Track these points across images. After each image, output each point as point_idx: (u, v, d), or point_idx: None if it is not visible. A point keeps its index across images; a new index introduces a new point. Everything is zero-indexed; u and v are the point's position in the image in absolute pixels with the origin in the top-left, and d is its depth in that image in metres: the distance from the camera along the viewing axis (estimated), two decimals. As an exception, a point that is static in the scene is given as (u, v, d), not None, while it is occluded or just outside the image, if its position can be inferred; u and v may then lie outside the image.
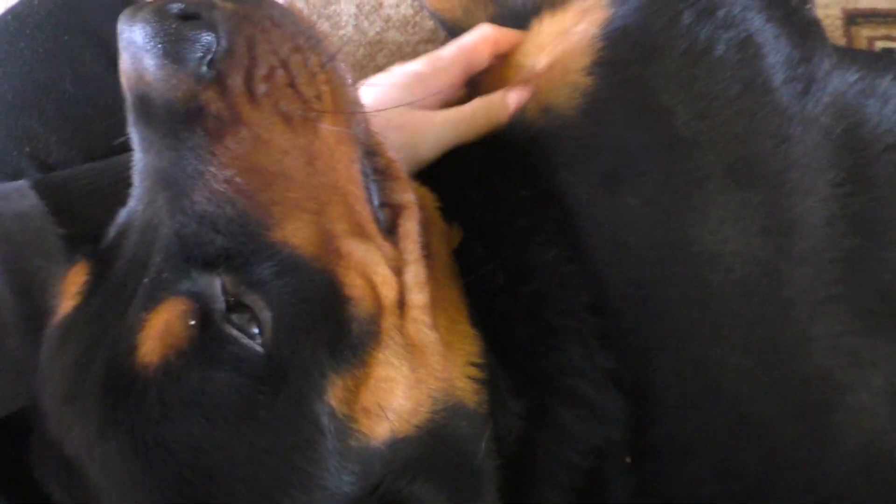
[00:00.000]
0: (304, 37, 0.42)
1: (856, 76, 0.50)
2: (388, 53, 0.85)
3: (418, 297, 0.43)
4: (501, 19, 0.75)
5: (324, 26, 0.86)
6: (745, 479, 0.47)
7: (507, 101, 0.55)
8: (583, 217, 0.49)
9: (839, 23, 0.82)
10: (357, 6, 0.86)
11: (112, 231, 0.45)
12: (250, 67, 0.40)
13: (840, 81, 0.50)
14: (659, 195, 0.48)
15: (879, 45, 0.82)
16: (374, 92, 0.55)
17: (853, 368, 0.46)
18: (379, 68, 0.86)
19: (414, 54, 0.86)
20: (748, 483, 0.47)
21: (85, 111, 0.63)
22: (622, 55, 0.51)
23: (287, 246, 0.40)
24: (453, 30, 0.80)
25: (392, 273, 0.42)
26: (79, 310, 0.43)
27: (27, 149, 0.62)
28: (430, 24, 0.85)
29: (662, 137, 0.49)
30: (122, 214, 0.44)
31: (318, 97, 0.41)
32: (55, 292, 0.45)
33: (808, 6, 0.55)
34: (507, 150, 0.53)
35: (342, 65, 0.43)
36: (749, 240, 0.47)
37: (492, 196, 0.51)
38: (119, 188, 0.46)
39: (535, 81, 0.54)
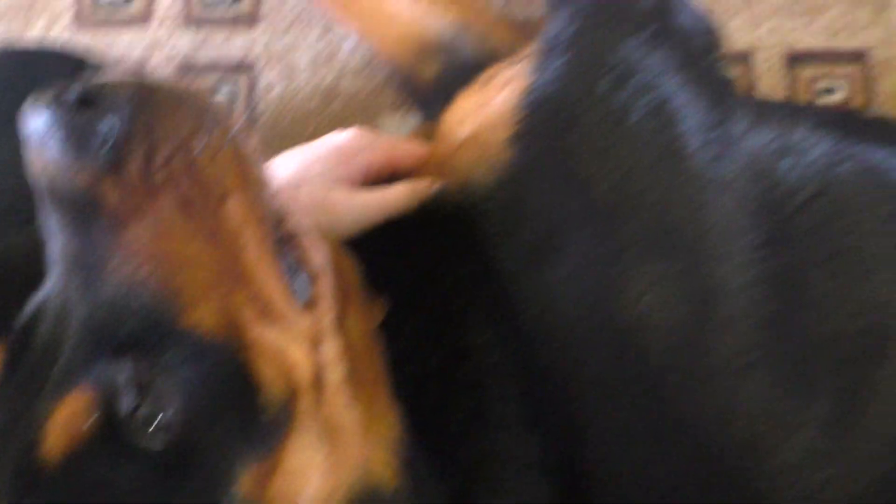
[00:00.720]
0: (205, 115, 0.41)
1: (771, 135, 0.51)
2: (342, 101, 0.86)
3: (334, 374, 0.43)
4: (447, 71, 0.77)
5: (279, 75, 0.87)
6: None
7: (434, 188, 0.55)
8: (511, 297, 0.49)
9: (781, 64, 0.84)
10: (312, 55, 0.87)
11: (27, 313, 0.44)
12: (149, 153, 0.39)
13: (755, 142, 0.51)
14: (580, 270, 0.48)
15: (821, 84, 0.84)
16: (294, 164, 0.55)
17: (778, 432, 0.47)
18: (334, 116, 0.89)
19: (368, 102, 0.88)
20: None
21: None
22: (541, 126, 0.51)
23: (196, 332, 0.39)
24: (404, 80, 0.82)
25: (307, 350, 0.42)
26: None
27: None
28: (383, 72, 0.86)
29: (583, 208, 0.49)
30: (38, 296, 0.44)
31: (221, 178, 0.41)
32: None
33: (720, 66, 0.56)
34: (431, 227, 0.53)
35: (248, 141, 0.43)
36: (671, 310, 0.47)
37: (422, 273, 0.51)
38: (36, 268, 0.46)
39: (456, 156, 0.54)
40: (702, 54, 0.55)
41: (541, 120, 0.51)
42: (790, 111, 0.65)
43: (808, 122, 0.54)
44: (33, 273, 0.51)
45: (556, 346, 0.48)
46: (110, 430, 0.38)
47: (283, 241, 0.45)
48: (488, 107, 0.54)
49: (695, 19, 0.58)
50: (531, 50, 0.56)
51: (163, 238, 0.40)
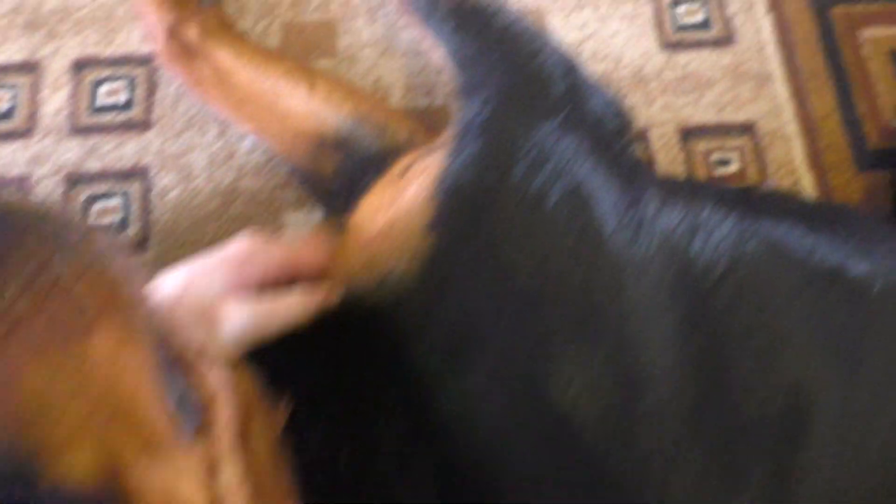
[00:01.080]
0: (62, 236, 0.36)
1: (680, 214, 0.52)
2: (243, 201, 0.83)
3: (235, 500, 0.39)
4: (347, 166, 0.75)
5: (175, 179, 0.84)
6: None
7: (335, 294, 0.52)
8: (430, 394, 0.47)
9: (675, 140, 0.87)
10: (209, 157, 0.85)
11: None
12: None
13: (667, 222, 0.51)
14: (504, 362, 0.46)
15: (715, 156, 0.87)
16: (183, 278, 0.51)
17: None
18: (234, 217, 0.86)
19: (270, 200, 0.86)
20: None
21: None
22: (457, 213, 0.50)
23: (66, 486, 0.34)
24: (306, 176, 0.80)
25: (201, 483, 0.38)
26: None
27: None
28: (284, 169, 0.84)
29: (504, 297, 0.47)
30: None
31: (85, 305, 0.36)
32: None
33: (631, 147, 0.57)
34: (343, 326, 0.50)
35: (118, 258, 0.38)
36: (599, 399, 0.46)
37: (328, 371, 0.49)
38: None
39: (370, 250, 0.52)
40: (613, 137, 0.56)
41: (457, 207, 0.50)
42: (693, 188, 0.66)
43: (711, 199, 0.55)
44: None
45: (482, 447, 0.46)
46: None
47: (170, 363, 0.40)
48: (403, 196, 0.53)
49: (605, 103, 0.59)
50: (444, 137, 0.56)
51: (15, 385, 0.34)
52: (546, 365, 0.46)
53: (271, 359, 0.48)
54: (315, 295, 0.53)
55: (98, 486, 0.35)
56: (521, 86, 0.59)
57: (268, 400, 0.47)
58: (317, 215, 0.83)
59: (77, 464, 0.35)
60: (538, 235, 0.49)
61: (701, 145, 0.86)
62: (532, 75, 0.60)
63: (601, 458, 0.45)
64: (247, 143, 0.84)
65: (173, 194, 0.84)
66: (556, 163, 0.51)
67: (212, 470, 0.39)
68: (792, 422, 0.47)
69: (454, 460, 0.46)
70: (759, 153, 0.87)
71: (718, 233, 0.52)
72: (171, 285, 0.49)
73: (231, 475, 0.40)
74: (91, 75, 0.89)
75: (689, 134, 0.87)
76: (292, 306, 0.52)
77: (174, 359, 0.41)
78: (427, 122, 0.87)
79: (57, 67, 0.89)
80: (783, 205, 0.66)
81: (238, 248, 0.54)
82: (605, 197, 0.51)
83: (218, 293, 0.50)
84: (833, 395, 0.48)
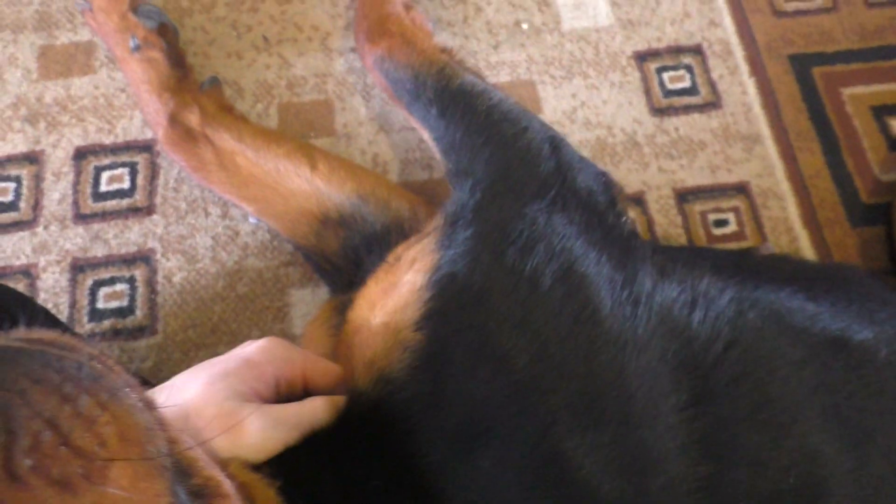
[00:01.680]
0: (76, 380, 0.36)
1: (678, 288, 0.52)
2: (248, 281, 0.84)
3: None
4: (352, 242, 0.76)
5: (180, 261, 0.85)
6: None
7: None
8: (437, 487, 0.46)
9: (672, 202, 0.88)
10: (213, 238, 0.86)
11: None
12: (8, 443, 0.33)
13: (665, 296, 0.51)
14: (507, 451, 0.45)
15: (712, 217, 0.88)
16: (199, 383, 0.50)
17: None
18: (240, 297, 0.86)
19: (275, 278, 0.87)
20: None
21: None
22: (451, 303, 0.49)
23: None
24: (310, 254, 0.81)
25: None
26: None
27: None
28: (288, 246, 0.85)
29: (504, 385, 0.47)
30: None
31: (103, 443, 0.36)
32: None
33: (624, 219, 0.57)
34: (349, 428, 0.49)
35: (130, 393, 0.38)
36: (607, 484, 0.45)
37: (338, 474, 0.48)
38: None
39: (367, 347, 0.51)
40: (605, 210, 0.56)
41: (450, 297, 0.49)
42: (691, 255, 0.66)
43: (709, 267, 0.55)
44: None
45: None
46: None
47: (195, 495, 0.40)
48: (396, 289, 0.52)
49: (595, 176, 0.60)
50: (435, 224, 0.56)
51: None
52: (550, 456, 0.45)
53: (285, 465, 0.48)
54: (334, 400, 0.52)
55: None
56: (509, 167, 0.59)
57: None
58: (322, 292, 0.84)
59: None
60: (535, 319, 0.48)
61: (697, 206, 0.88)
62: (519, 155, 0.60)
63: None
64: (250, 223, 0.86)
65: (179, 277, 0.84)
66: (548, 243, 0.51)
67: None
68: (807, 495, 0.47)
69: None
70: (754, 212, 0.88)
71: (718, 304, 0.52)
72: (188, 390, 0.49)
73: None
74: (93, 163, 0.91)
75: (684, 196, 0.88)
76: (313, 410, 0.52)
77: (192, 488, 0.40)
78: (427, 195, 0.88)
79: (59, 157, 0.91)
80: (782, 268, 0.66)
81: (255, 351, 0.53)
82: (601, 274, 0.51)
83: (235, 396, 0.51)
84: (846, 465, 0.48)
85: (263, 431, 0.49)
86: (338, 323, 0.71)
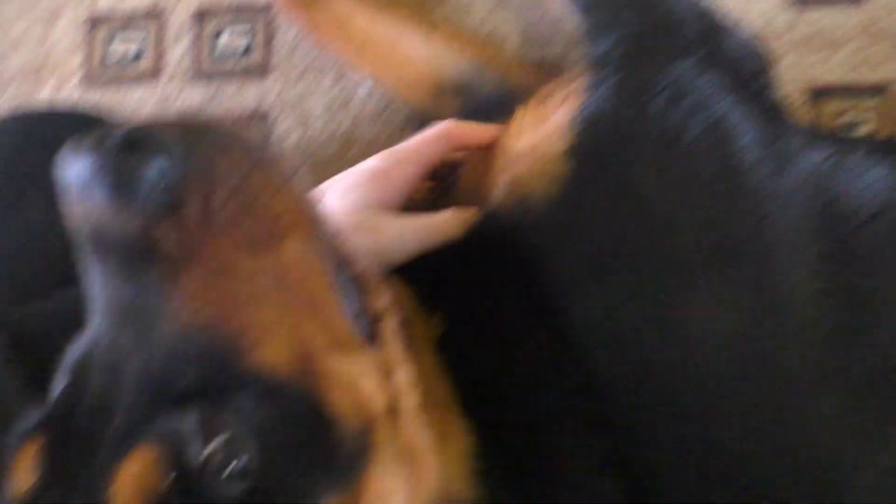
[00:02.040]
0: (259, 154, 0.40)
1: (826, 153, 0.51)
2: (359, 148, 0.85)
3: (410, 399, 0.42)
4: (468, 110, 0.75)
5: (294, 124, 0.86)
6: None
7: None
8: (567, 305, 0.48)
9: (806, 98, 0.83)
10: (327, 102, 0.86)
11: (65, 375, 0.42)
12: (208, 194, 0.38)
13: (812, 159, 0.50)
14: (643, 280, 0.47)
15: (846, 118, 0.83)
16: (332, 196, 0.54)
17: (860, 449, 0.45)
18: (351, 163, 0.86)
19: (386, 146, 0.87)
20: None
21: (32, 263, 0.62)
22: (596, 142, 0.50)
23: (264, 371, 0.37)
24: (421, 122, 0.81)
25: (379, 381, 0.41)
26: (41, 478, 0.39)
27: None
28: (400, 115, 0.85)
29: (644, 222, 0.48)
30: (77, 355, 0.42)
31: (281, 214, 0.40)
32: (6, 475, 0.41)
33: (770, 89, 0.55)
34: (486, 242, 0.52)
35: (301, 179, 0.42)
36: (739, 321, 0.46)
37: (473, 285, 0.50)
38: (70, 332, 0.44)
39: (512, 170, 0.53)
40: (753, 76, 0.56)
41: (597, 136, 0.50)
42: (838, 137, 0.64)
43: (861, 145, 0.53)
44: (58, 340, 0.49)
45: (619, 356, 0.47)
46: (183, 484, 0.35)
47: (347, 278, 0.43)
48: (544, 123, 0.53)
49: (742, 44, 0.59)
50: (583, 68, 0.56)
51: (223, 280, 0.38)
52: (684, 290, 0.46)
53: (421, 276, 0.51)
54: (464, 214, 0.55)
55: (292, 374, 0.38)
56: (656, 25, 0.58)
57: (424, 316, 0.49)
58: (430, 163, 0.84)
59: (274, 354, 0.38)
60: (677, 165, 0.49)
61: (832, 105, 0.83)
62: (666, 15, 0.59)
63: (741, 378, 0.45)
64: (364, 89, 0.85)
65: (292, 139, 0.85)
66: (695, 97, 0.50)
67: (386, 375, 0.42)
68: None
69: (591, 367, 0.47)
70: (893, 116, 0.83)
71: (869, 175, 0.50)
72: (330, 199, 0.51)
73: (403, 379, 0.42)
74: (212, 24, 0.92)
75: (818, 94, 0.83)
76: (445, 222, 0.54)
77: (349, 274, 0.43)
78: (543, 75, 0.86)
79: (180, 16, 0.92)
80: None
81: (377, 162, 0.57)
82: (747, 130, 0.50)
83: (371, 205, 0.53)
84: None
85: (397, 238, 0.53)
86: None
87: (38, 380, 0.47)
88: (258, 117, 0.87)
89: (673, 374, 0.46)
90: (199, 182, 0.37)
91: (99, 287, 0.39)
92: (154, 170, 0.36)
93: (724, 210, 0.48)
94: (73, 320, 0.53)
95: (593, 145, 0.50)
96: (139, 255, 0.37)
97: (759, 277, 0.46)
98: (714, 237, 0.47)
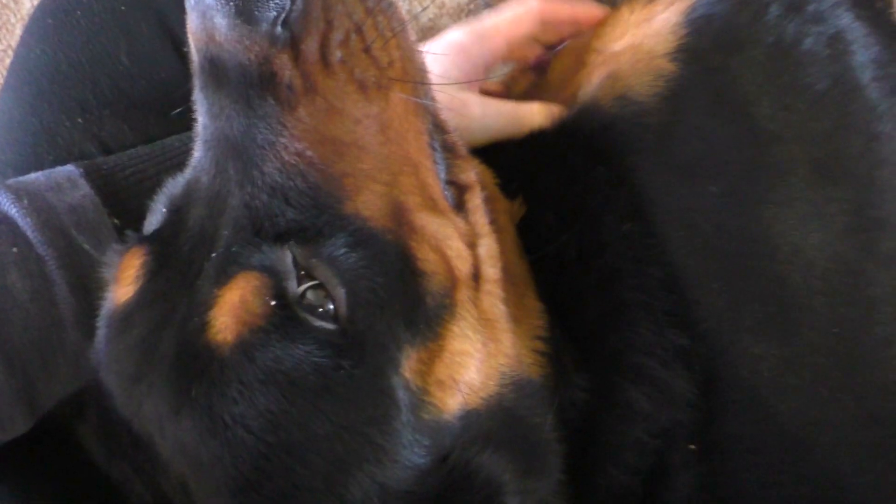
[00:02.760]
0: (376, 1, 0.40)
1: None
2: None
3: (491, 270, 0.43)
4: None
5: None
6: (816, 484, 0.46)
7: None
8: (658, 201, 0.48)
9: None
10: (413, -12, 0.85)
11: (165, 205, 0.43)
12: (326, 31, 0.38)
13: None
14: (739, 186, 0.47)
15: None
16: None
17: None
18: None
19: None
20: (818, 489, 0.46)
21: (139, 86, 0.63)
22: (706, 44, 0.50)
23: (359, 219, 0.39)
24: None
25: (465, 247, 0.42)
26: (140, 292, 0.41)
27: (80, 120, 0.62)
28: (484, 11, 0.83)
29: (745, 129, 0.48)
30: (180, 185, 0.43)
31: (391, 64, 0.40)
32: (108, 281, 0.44)
33: (891, 10, 0.54)
34: (579, 133, 0.52)
35: (411, 32, 0.42)
36: (833, 237, 0.46)
37: (560, 173, 0.50)
38: (163, 177, 0.46)
39: (612, 66, 0.53)
40: None
41: (707, 38, 0.50)
42: None
43: None
44: (150, 186, 0.50)
45: (706, 256, 0.47)
46: (282, 313, 0.37)
47: (444, 147, 0.44)
48: (649, 23, 0.53)
49: None
50: None
51: (332, 121, 0.39)
52: (780, 199, 0.46)
53: (506, 161, 0.52)
54: (552, 108, 0.55)
55: (387, 224, 0.39)
56: None
57: (505, 198, 0.50)
58: (510, 63, 0.83)
59: (372, 202, 0.39)
60: (789, 75, 0.48)
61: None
62: None
63: (827, 292, 0.46)
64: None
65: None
66: (815, 7, 0.49)
67: (471, 244, 0.43)
68: None
69: (678, 265, 0.47)
70: None
71: None
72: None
73: (486, 251, 0.43)
74: None
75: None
76: (532, 111, 0.55)
77: (444, 141, 0.44)
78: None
79: None
80: None
81: (462, 36, 0.56)
82: (866, 47, 0.49)
83: (457, 79, 0.53)
84: None
85: (484, 118, 0.53)
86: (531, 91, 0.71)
87: (131, 224, 0.48)
88: None
89: (757, 284, 0.46)
90: (317, 19, 0.38)
91: (210, 118, 0.40)
92: (278, 1, 0.36)
93: (833, 125, 0.47)
94: (156, 174, 0.54)
95: (702, 47, 0.50)
96: (255, 86, 0.38)
97: (860, 197, 0.46)
98: (818, 151, 0.47)
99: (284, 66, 0.37)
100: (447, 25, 0.84)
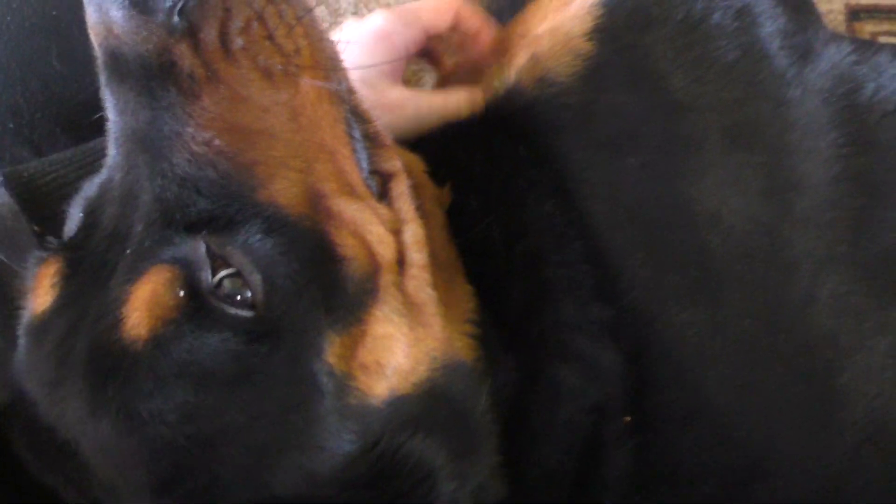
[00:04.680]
0: None
1: (850, 47, 0.50)
2: (377, 5, 0.84)
3: (417, 255, 0.43)
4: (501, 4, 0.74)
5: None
6: (750, 448, 0.46)
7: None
8: (580, 177, 0.48)
9: (841, 18, 0.82)
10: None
11: (81, 208, 0.43)
12: (224, 19, 0.38)
13: (836, 52, 0.50)
14: (657, 157, 0.48)
15: (882, 40, 0.81)
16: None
17: (859, 331, 0.46)
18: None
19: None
20: (752, 452, 0.46)
21: (72, 88, 0.62)
22: (620, 22, 0.51)
23: (273, 206, 0.39)
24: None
25: (388, 233, 0.42)
26: (56, 299, 0.41)
27: (11, 124, 0.61)
28: None
29: (660, 102, 0.48)
30: (94, 187, 0.43)
31: (297, 51, 0.40)
32: (25, 291, 0.44)
33: None
34: (501, 116, 0.52)
35: (318, 18, 0.42)
36: (749, 201, 0.46)
37: (485, 158, 0.51)
38: (85, 180, 0.45)
39: (533, 49, 0.53)
40: None
41: (621, 17, 0.51)
42: (864, 41, 0.63)
43: (884, 49, 0.52)
44: (70, 190, 0.50)
45: (627, 229, 0.48)
46: (195, 304, 0.37)
47: (362, 134, 0.44)
48: (570, 4, 0.53)
49: None
50: None
51: (239, 109, 0.39)
52: (697, 167, 0.47)
53: (433, 147, 0.52)
54: (477, 94, 0.55)
55: (303, 210, 0.39)
56: None
57: (433, 184, 0.50)
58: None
59: (285, 189, 0.39)
60: (699, 48, 0.49)
61: (869, 26, 0.81)
62: None
63: (747, 256, 0.46)
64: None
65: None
66: None
67: (395, 231, 0.43)
68: None
69: (601, 239, 0.47)
70: (930, 40, 0.81)
71: (889, 72, 0.50)
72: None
73: (413, 234, 0.43)
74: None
75: (858, 13, 0.82)
76: (458, 101, 0.55)
77: (364, 130, 0.44)
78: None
79: None
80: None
81: (381, 23, 0.55)
82: (773, 18, 0.50)
83: (379, 73, 0.53)
84: None
85: (411, 114, 0.53)
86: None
87: (53, 231, 0.48)
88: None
89: (679, 252, 0.47)
90: (215, 7, 0.37)
91: (118, 113, 0.40)
92: None
93: (743, 93, 0.48)
94: (77, 178, 0.53)
95: (617, 26, 0.50)
96: (156, 77, 0.37)
97: (773, 161, 0.47)
98: (730, 119, 0.47)
99: (184, 55, 0.37)
100: None
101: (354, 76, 0.49)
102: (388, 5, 0.84)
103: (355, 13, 0.85)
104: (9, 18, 0.62)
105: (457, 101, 0.55)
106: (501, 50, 0.57)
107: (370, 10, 0.84)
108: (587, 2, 0.52)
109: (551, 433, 0.45)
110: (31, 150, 0.61)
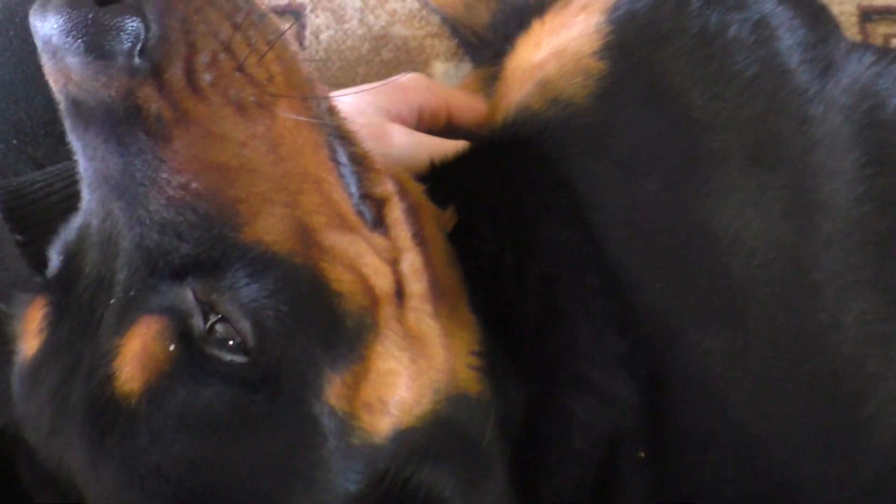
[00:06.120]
0: (243, 13, 0.38)
1: (872, 58, 0.49)
2: (393, 48, 0.83)
3: (416, 286, 0.41)
4: (503, 15, 0.74)
5: (328, 20, 0.85)
6: (772, 477, 0.45)
7: None
8: (596, 203, 0.47)
9: (854, 20, 0.80)
10: (363, 0, 0.85)
11: (63, 250, 0.42)
12: (189, 55, 0.36)
13: (857, 64, 0.49)
14: (676, 179, 0.46)
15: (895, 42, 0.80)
16: (349, 98, 0.50)
17: (886, 358, 0.44)
18: (384, 63, 0.86)
19: (420, 49, 0.85)
20: (775, 482, 0.45)
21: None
22: (631, 38, 0.49)
23: (260, 245, 0.37)
24: (455, 26, 0.79)
25: (385, 263, 0.40)
26: (45, 345, 0.40)
27: (14, 141, 0.60)
28: (436, 18, 0.83)
29: (678, 121, 0.47)
30: (73, 231, 0.41)
31: (271, 78, 0.38)
32: (14, 334, 0.42)
33: None
34: (513, 139, 0.51)
35: (290, 44, 0.40)
36: (772, 223, 0.45)
37: (497, 180, 0.49)
38: (71, 189, 0.44)
39: (537, 75, 0.52)
40: None
41: (631, 33, 0.49)
42: (884, 49, 0.62)
43: None
44: (56, 202, 0.49)
45: (647, 255, 0.46)
46: (188, 353, 0.36)
47: (349, 158, 0.42)
48: (566, 28, 0.52)
49: None
50: None
51: (213, 147, 0.37)
52: (717, 189, 0.46)
53: (437, 173, 0.51)
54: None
55: (292, 247, 0.37)
56: None
57: (435, 207, 0.48)
58: (465, 68, 0.82)
59: (271, 226, 0.37)
60: (716, 64, 0.47)
61: (882, 28, 0.80)
62: None
63: (770, 280, 0.45)
64: (402, -12, 0.84)
65: (326, 35, 0.84)
66: None
67: (392, 260, 0.41)
68: None
69: (618, 265, 0.46)
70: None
71: None
72: (342, 102, 0.51)
73: (411, 263, 0.42)
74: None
75: (871, 15, 0.80)
76: (455, 147, 0.54)
77: (351, 153, 0.42)
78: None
79: None
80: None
81: (406, 80, 0.57)
82: (792, 31, 0.49)
83: (383, 112, 0.53)
84: None
85: (406, 149, 0.52)
86: (484, 92, 0.71)
87: (36, 240, 0.47)
88: (292, 10, 0.86)
89: (701, 278, 0.46)
90: (177, 43, 0.35)
91: (87, 159, 0.38)
92: (131, 28, 0.34)
93: (764, 110, 0.47)
94: (64, 189, 0.52)
95: (628, 43, 0.49)
96: (122, 123, 0.35)
97: (796, 182, 0.46)
98: (751, 138, 0.46)
99: (149, 97, 0.35)
100: (400, 33, 0.84)
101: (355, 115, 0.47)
102: (393, 11, 0.84)
103: (361, 20, 0.84)
104: (11, 33, 0.61)
105: (453, 146, 0.54)
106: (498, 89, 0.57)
107: (376, 17, 0.84)
108: (592, 20, 0.51)
109: (564, 463, 0.44)
110: (34, 166, 0.60)
